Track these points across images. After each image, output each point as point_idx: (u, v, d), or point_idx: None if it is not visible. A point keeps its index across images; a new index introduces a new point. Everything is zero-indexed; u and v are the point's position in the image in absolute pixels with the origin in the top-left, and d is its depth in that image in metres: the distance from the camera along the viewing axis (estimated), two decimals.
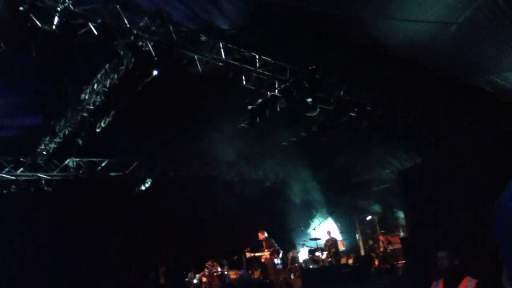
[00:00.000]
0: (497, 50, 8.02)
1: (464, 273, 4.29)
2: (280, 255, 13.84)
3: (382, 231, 15.61)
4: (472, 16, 6.87)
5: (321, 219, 15.79)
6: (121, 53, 9.02)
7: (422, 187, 6.53)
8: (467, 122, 12.79)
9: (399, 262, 13.21)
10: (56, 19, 7.73)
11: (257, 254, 13.96)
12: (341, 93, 11.84)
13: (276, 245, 13.87)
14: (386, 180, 16.08)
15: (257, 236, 14.35)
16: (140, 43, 8.87)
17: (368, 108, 12.45)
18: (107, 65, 10.27)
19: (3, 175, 13.54)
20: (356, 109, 12.31)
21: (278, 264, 13.91)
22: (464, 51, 8.43)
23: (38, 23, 7.62)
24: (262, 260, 14.05)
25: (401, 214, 14.48)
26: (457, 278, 4.29)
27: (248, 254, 13.91)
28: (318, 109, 11.21)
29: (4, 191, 13.48)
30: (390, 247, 14.06)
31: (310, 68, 10.37)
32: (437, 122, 13.23)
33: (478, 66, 9.01)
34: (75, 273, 15.12)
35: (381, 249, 14.25)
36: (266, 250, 13.81)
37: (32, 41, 7.42)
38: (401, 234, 14.52)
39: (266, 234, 13.93)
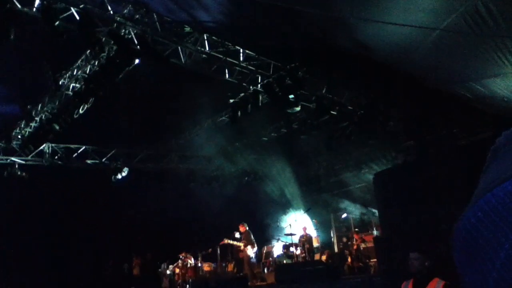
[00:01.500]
0: (477, 57, 8.18)
1: (433, 275, 4.39)
2: (255, 250, 13.88)
3: (357, 229, 15.83)
4: (455, 23, 6.97)
5: (297, 215, 15.90)
6: (103, 40, 8.87)
7: (397, 189, 6.65)
8: (445, 127, 13.04)
9: (372, 260, 13.43)
10: (37, 2, 7.55)
11: (234, 243, 13.94)
12: (323, 91, 11.92)
13: (253, 239, 13.90)
14: (363, 180, 16.29)
15: (234, 229, 14.35)
16: (123, 31, 8.75)
17: (349, 107, 12.57)
18: (88, 51, 10.09)
19: None
20: (337, 108, 12.41)
21: (252, 258, 13.95)
22: (446, 57, 8.56)
23: (18, 5, 7.43)
24: (239, 253, 14.06)
25: (376, 214, 14.70)
26: (426, 279, 4.38)
27: (226, 241, 13.87)
28: (300, 106, 11.28)
29: None
30: (363, 246, 14.27)
31: (294, 65, 10.41)
32: (415, 126, 13.44)
33: (458, 73, 9.17)
34: (46, 263, 14.91)
35: (355, 247, 14.44)
36: (243, 242, 13.82)
37: (11, 24, 7.21)
38: (375, 233, 14.75)
39: (247, 227, 13.91)
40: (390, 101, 12.20)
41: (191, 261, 14.86)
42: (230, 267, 15.55)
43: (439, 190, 5.84)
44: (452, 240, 0.50)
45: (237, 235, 13.94)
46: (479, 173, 0.55)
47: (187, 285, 14.37)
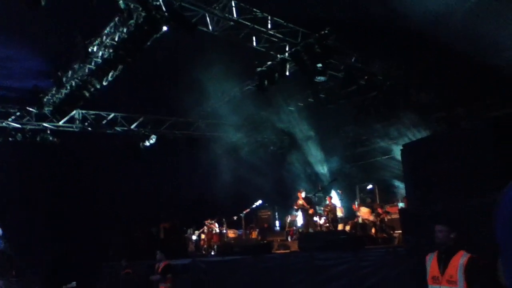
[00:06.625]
0: None
1: (459, 247, 4.35)
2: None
3: (381, 200, 15.75)
4: None
5: (322, 185, 15.91)
6: (131, 6, 8.86)
7: (425, 161, 6.54)
8: (478, 99, 12.63)
9: (396, 232, 13.39)
10: None
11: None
12: (352, 60, 11.67)
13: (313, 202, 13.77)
14: (390, 151, 16.09)
15: (258, 199, 14.53)
16: None
17: (379, 77, 12.29)
18: (116, 19, 10.11)
19: (10, 123, 13.64)
20: (366, 77, 12.15)
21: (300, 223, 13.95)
22: (481, 26, 8.22)
23: None
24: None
25: (402, 185, 14.56)
26: (451, 251, 4.35)
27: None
28: (327, 76, 11.09)
29: (10, 139, 13.60)
30: (388, 217, 14.21)
31: (323, 32, 10.17)
32: (447, 97, 13.06)
33: (493, 42, 8.81)
34: (78, 227, 15.40)
35: (379, 218, 14.41)
36: (306, 205, 13.72)
37: None
38: (400, 205, 14.64)
39: (303, 195, 13.77)
40: (422, 71, 11.85)
41: (216, 227, 15.20)
42: (254, 234, 15.83)
43: (469, 163, 5.71)
44: (495, 214, 0.50)
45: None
46: None
47: (212, 250, 14.75)
